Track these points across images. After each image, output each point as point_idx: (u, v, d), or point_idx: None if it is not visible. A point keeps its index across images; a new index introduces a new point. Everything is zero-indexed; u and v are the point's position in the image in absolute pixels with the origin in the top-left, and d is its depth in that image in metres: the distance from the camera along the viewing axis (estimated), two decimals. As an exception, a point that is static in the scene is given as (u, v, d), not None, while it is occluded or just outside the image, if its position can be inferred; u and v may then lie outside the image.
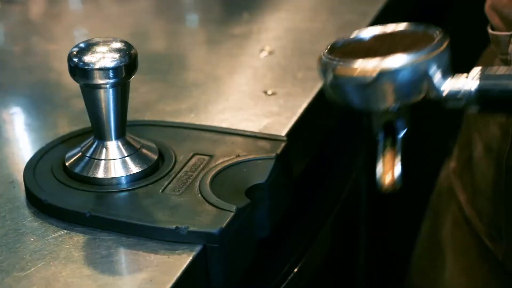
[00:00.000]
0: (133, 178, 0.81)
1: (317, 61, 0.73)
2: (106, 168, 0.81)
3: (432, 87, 0.70)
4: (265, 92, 0.99)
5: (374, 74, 0.69)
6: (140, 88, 1.00)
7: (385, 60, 0.69)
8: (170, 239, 0.75)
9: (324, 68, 0.72)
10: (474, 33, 0.97)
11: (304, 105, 0.95)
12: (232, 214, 0.75)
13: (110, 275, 0.72)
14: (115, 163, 0.81)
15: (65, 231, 0.77)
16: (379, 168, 0.73)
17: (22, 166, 0.84)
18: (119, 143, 0.82)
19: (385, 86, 0.69)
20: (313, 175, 1.01)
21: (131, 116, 0.86)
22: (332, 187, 1.09)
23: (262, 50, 1.09)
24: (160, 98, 0.98)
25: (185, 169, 0.82)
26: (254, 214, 0.79)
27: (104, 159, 0.82)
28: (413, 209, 1.23)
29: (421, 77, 0.69)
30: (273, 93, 0.98)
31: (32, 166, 0.84)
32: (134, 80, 0.80)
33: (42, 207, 0.79)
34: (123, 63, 0.78)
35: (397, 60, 0.69)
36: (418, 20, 1.06)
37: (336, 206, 1.16)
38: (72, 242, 0.76)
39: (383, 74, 0.69)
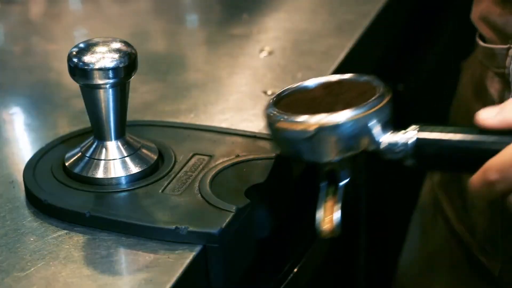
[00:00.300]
0: (133, 178, 0.81)
1: (262, 111, 0.75)
2: (106, 168, 0.81)
3: (372, 141, 0.72)
4: (265, 92, 0.99)
5: (314, 129, 0.70)
6: (140, 88, 1.00)
7: (326, 116, 0.71)
8: (170, 239, 0.75)
9: (268, 121, 0.74)
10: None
11: (304, 105, 0.95)
12: (232, 214, 0.75)
13: (110, 275, 0.72)
14: (114, 163, 0.81)
15: (65, 231, 0.77)
16: (319, 215, 0.75)
17: (22, 166, 0.84)
18: (119, 143, 0.82)
19: (325, 141, 0.71)
20: (313, 175, 1.01)
21: (131, 116, 0.86)
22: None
23: (261, 50, 1.09)
24: (160, 98, 0.98)
25: (185, 169, 0.82)
26: (254, 214, 0.79)
27: (103, 159, 0.82)
28: (413, 209, 1.23)
29: (361, 132, 0.71)
30: (273, 93, 0.98)
31: (32, 166, 0.84)
32: (134, 80, 0.80)
33: (42, 207, 0.79)
34: (122, 64, 0.78)
35: (338, 116, 0.70)
36: (418, 20, 1.06)
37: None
38: (72, 242, 0.76)
39: (323, 129, 0.70)
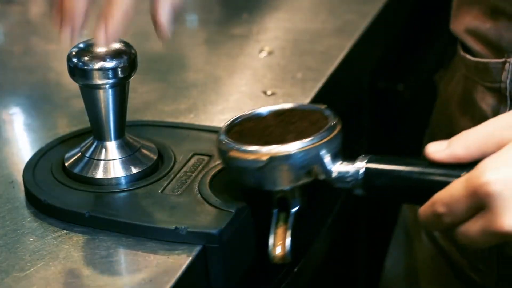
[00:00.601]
0: (133, 179, 0.81)
1: (215, 140, 0.77)
2: (106, 169, 0.81)
3: (323, 170, 0.73)
4: (265, 93, 0.99)
5: (266, 159, 0.72)
6: (139, 88, 1.00)
7: (277, 147, 0.72)
8: (170, 239, 0.75)
9: (220, 149, 0.75)
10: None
11: (303, 105, 0.95)
12: (232, 214, 0.75)
13: (109, 275, 0.72)
14: (114, 163, 0.81)
15: (65, 231, 0.77)
16: (271, 241, 0.76)
17: (21, 166, 0.84)
18: (119, 144, 0.82)
19: (277, 171, 0.72)
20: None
21: (130, 116, 0.86)
22: (331, 187, 1.09)
23: (261, 50, 1.09)
24: (160, 98, 0.98)
25: (184, 169, 0.82)
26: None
27: (103, 159, 0.82)
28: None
29: (312, 161, 0.73)
30: (273, 93, 0.98)
31: (32, 166, 0.84)
32: (133, 80, 0.80)
33: (41, 207, 0.79)
34: (122, 64, 0.78)
35: (289, 147, 0.72)
36: (418, 20, 1.06)
37: (336, 206, 1.15)
38: (71, 243, 0.76)
39: (274, 160, 0.72)
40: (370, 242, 1.35)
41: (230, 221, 0.75)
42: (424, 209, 0.69)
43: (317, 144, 0.73)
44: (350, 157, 0.75)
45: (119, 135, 0.82)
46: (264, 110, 0.79)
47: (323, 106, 0.78)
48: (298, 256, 0.99)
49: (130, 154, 0.82)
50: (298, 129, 0.75)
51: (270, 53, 1.08)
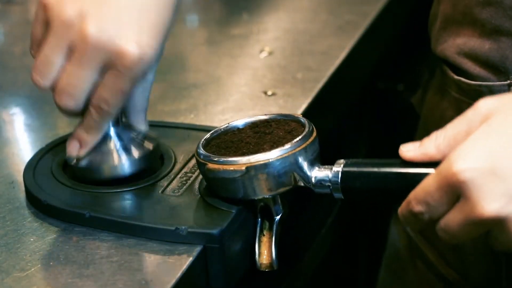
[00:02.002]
0: (133, 179, 0.81)
1: (194, 152, 0.78)
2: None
3: (301, 176, 0.75)
4: (265, 93, 0.99)
5: (244, 168, 0.73)
6: (140, 89, 1.00)
7: (255, 156, 0.73)
8: (170, 239, 0.75)
9: (199, 162, 0.76)
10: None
11: (303, 105, 0.95)
12: (232, 214, 0.75)
13: (110, 276, 0.72)
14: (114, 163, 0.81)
15: (65, 231, 0.77)
16: (257, 250, 0.78)
17: (22, 167, 0.84)
18: (120, 144, 0.82)
19: (256, 179, 0.74)
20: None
21: (131, 116, 0.86)
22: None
23: (261, 50, 1.09)
24: (160, 99, 0.98)
25: (184, 169, 0.82)
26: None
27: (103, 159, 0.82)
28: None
29: (290, 168, 0.74)
30: (273, 94, 0.98)
31: (32, 166, 0.84)
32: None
33: (42, 207, 0.79)
34: None
35: (266, 155, 0.73)
36: (418, 20, 1.06)
37: (336, 206, 1.16)
38: (72, 243, 0.76)
39: (253, 168, 0.73)
40: (370, 242, 1.35)
41: (230, 221, 0.75)
42: (401, 209, 0.70)
43: (294, 151, 0.74)
44: (348, 157, 0.75)
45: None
46: (240, 122, 0.80)
47: (297, 115, 0.79)
48: (298, 256, 0.99)
49: (130, 154, 0.82)
50: (274, 139, 0.76)
51: (270, 53, 1.08)
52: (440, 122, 0.89)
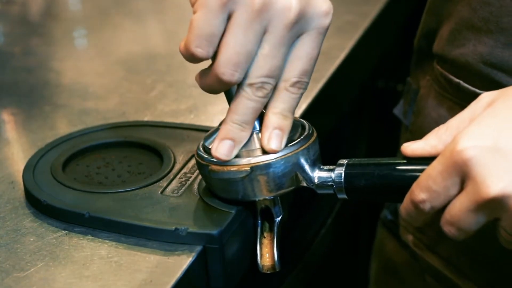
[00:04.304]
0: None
1: (194, 154, 0.77)
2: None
3: (304, 177, 0.74)
4: (265, 93, 0.99)
5: (247, 169, 0.73)
6: (139, 88, 1.00)
7: (257, 157, 0.73)
8: (170, 240, 0.75)
9: (200, 164, 0.76)
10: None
11: (303, 105, 0.95)
12: (231, 215, 0.75)
13: (109, 276, 0.72)
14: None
15: (65, 231, 0.77)
16: (258, 252, 0.77)
17: (22, 167, 0.84)
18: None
19: (258, 180, 0.73)
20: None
21: (131, 116, 0.86)
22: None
23: (262, 50, 1.09)
24: (160, 99, 0.98)
25: (184, 170, 0.82)
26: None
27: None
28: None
29: (292, 169, 0.74)
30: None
31: (32, 166, 0.84)
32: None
33: (41, 207, 0.79)
34: None
35: (268, 156, 0.73)
36: (418, 20, 1.06)
37: (336, 206, 1.16)
38: (71, 243, 0.76)
39: (255, 169, 0.73)
40: (370, 242, 1.35)
41: (229, 221, 0.75)
42: (404, 204, 0.69)
43: (297, 150, 0.74)
44: (349, 157, 0.75)
45: None
46: None
47: (296, 118, 0.78)
48: (297, 257, 0.99)
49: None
50: None
51: (270, 53, 1.08)
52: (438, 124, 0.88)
